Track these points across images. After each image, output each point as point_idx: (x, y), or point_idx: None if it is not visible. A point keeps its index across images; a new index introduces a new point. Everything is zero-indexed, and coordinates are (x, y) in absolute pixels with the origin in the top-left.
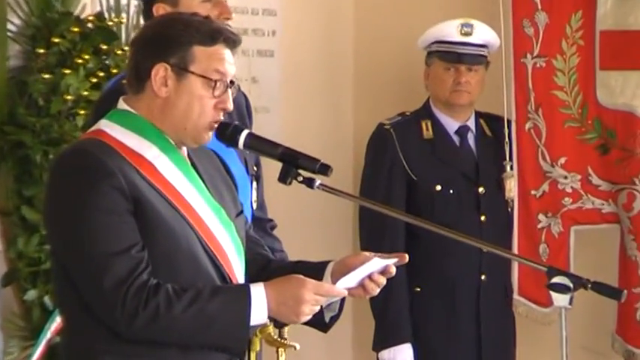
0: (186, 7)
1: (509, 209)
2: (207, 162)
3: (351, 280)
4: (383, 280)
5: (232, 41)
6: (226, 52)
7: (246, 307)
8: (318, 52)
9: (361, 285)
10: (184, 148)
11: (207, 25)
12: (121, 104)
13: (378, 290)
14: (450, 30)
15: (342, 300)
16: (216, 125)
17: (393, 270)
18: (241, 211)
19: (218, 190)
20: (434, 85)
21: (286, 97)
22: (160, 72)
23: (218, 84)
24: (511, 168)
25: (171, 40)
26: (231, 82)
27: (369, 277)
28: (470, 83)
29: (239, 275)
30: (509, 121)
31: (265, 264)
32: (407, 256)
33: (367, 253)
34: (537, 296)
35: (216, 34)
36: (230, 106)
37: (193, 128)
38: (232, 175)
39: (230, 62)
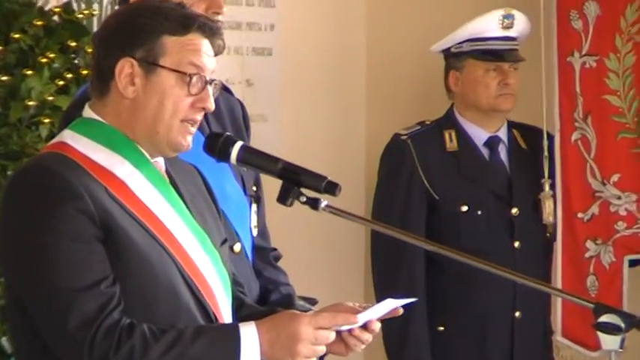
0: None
1: (548, 234)
2: (188, 180)
3: (364, 318)
4: (367, 337)
5: (209, 28)
6: (203, 43)
7: (236, 350)
8: (325, 49)
9: (341, 340)
10: (162, 163)
11: (178, 11)
12: (86, 111)
13: (361, 347)
14: (489, 24)
15: (322, 357)
16: (193, 128)
17: (377, 326)
18: (225, 240)
19: (201, 213)
20: (472, 91)
21: (287, 103)
22: (126, 68)
23: (194, 79)
24: (550, 187)
25: (137, 30)
26: (211, 79)
27: (349, 331)
28: (514, 85)
29: (225, 312)
30: (548, 132)
31: (237, 307)
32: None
33: (350, 304)
34: (584, 338)
35: (189, 20)
36: (211, 105)
37: (167, 131)
38: (213, 196)
39: (208, 54)
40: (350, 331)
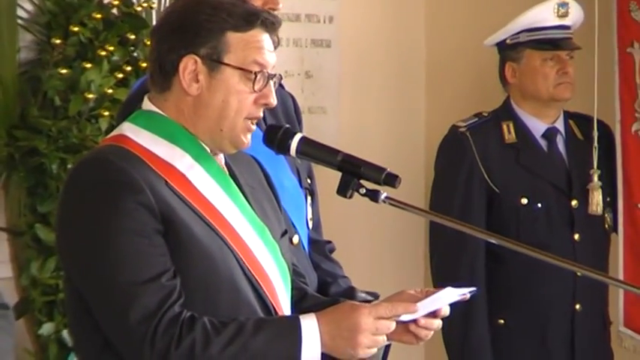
0: None
1: (607, 226)
2: (247, 172)
3: (425, 307)
4: (438, 324)
5: (271, 23)
6: (265, 38)
7: (297, 343)
8: (384, 41)
9: (408, 330)
10: (221, 156)
11: (240, 7)
12: (146, 104)
13: (430, 335)
14: (545, 13)
15: (387, 347)
16: (254, 125)
17: (446, 311)
18: (285, 231)
19: (261, 206)
20: (530, 81)
21: (346, 94)
22: (189, 66)
23: (258, 76)
24: (599, 178)
25: (200, 27)
26: (273, 73)
27: (415, 322)
28: (571, 73)
29: (284, 305)
30: (599, 122)
31: (300, 298)
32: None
33: (411, 291)
34: None
35: (252, 16)
36: (273, 100)
37: (231, 129)
38: (274, 188)
39: (270, 50)
40: (416, 321)
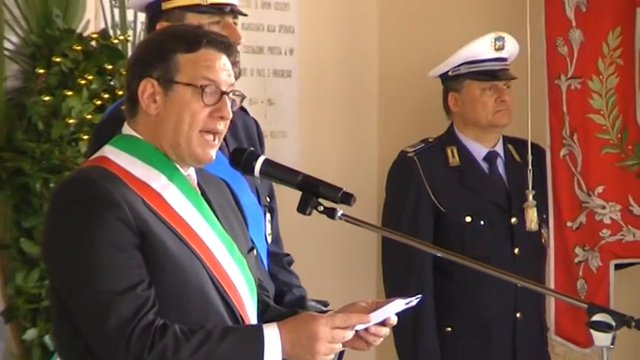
0: None
1: (543, 241)
2: (217, 192)
3: (377, 317)
4: (385, 331)
5: (220, 43)
6: (217, 57)
7: (259, 349)
8: (340, 71)
9: (361, 337)
10: (194, 176)
11: (190, 31)
12: (126, 129)
13: (379, 341)
14: (482, 47)
15: (341, 354)
16: (212, 138)
17: (394, 320)
18: (252, 247)
19: (229, 223)
20: (470, 110)
21: (305, 120)
22: (147, 88)
23: (207, 89)
24: (534, 197)
25: (154, 52)
26: (229, 91)
27: (367, 329)
28: (509, 101)
29: (251, 314)
30: (533, 145)
31: (263, 310)
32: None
33: (362, 303)
34: (576, 336)
35: (198, 37)
36: (228, 113)
37: (187, 142)
38: (242, 208)
39: (222, 68)
40: (367, 329)
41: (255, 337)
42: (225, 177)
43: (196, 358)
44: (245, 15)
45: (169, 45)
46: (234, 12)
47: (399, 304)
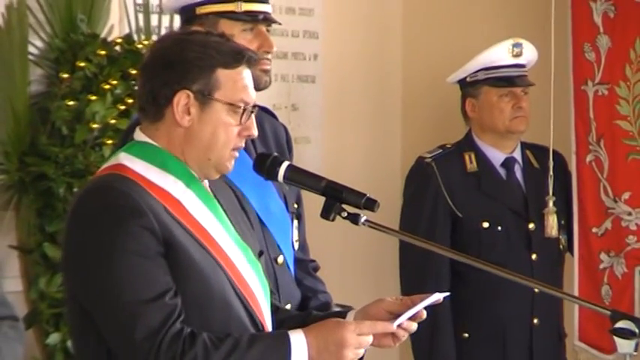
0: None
1: (561, 247)
2: (226, 196)
3: (405, 316)
4: (413, 326)
5: (254, 61)
6: (248, 75)
7: (287, 355)
8: (364, 77)
9: (386, 335)
10: (206, 182)
11: (227, 45)
12: (139, 135)
13: (406, 336)
14: (500, 53)
15: (361, 357)
16: (237, 153)
17: (424, 314)
18: (261, 252)
19: (240, 228)
20: (488, 116)
21: (328, 125)
22: (182, 100)
23: (245, 111)
24: (554, 204)
25: (192, 64)
26: (253, 106)
27: (399, 324)
28: (526, 108)
29: (267, 320)
30: (554, 152)
31: (272, 312)
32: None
33: (389, 298)
34: (599, 342)
35: (239, 55)
36: (255, 131)
37: (218, 158)
38: (246, 210)
39: (251, 85)
40: (400, 324)
41: (282, 343)
42: (250, 183)
43: None
44: (279, 23)
45: (212, 60)
46: (268, 20)
47: (427, 301)
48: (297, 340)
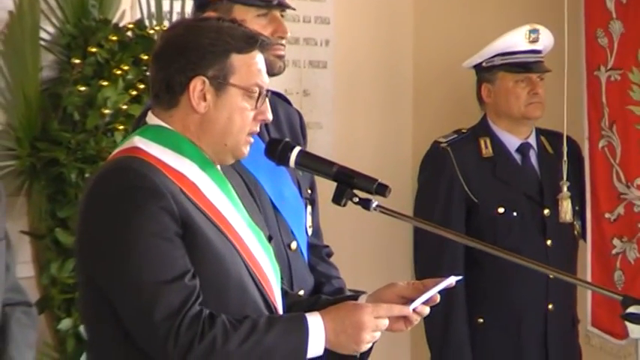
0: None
1: (576, 232)
2: (235, 181)
3: (419, 300)
4: (426, 310)
5: (267, 45)
6: (261, 59)
7: (304, 338)
8: (375, 62)
9: (399, 319)
10: (218, 166)
11: (240, 30)
12: (152, 119)
13: (418, 320)
14: (516, 39)
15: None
16: (252, 138)
17: (438, 298)
18: (270, 236)
19: (250, 212)
20: (503, 101)
21: (340, 111)
22: (198, 86)
23: (261, 95)
24: (568, 189)
25: (206, 50)
26: (267, 90)
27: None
28: (542, 94)
29: (279, 303)
30: (568, 138)
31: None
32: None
33: (400, 283)
34: (612, 327)
35: (252, 39)
36: (270, 115)
37: (234, 143)
38: (254, 195)
39: (265, 70)
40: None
41: (299, 326)
42: (264, 168)
43: (244, 348)
44: (293, 9)
45: (226, 45)
46: (282, 5)
47: (440, 285)
48: (315, 322)
